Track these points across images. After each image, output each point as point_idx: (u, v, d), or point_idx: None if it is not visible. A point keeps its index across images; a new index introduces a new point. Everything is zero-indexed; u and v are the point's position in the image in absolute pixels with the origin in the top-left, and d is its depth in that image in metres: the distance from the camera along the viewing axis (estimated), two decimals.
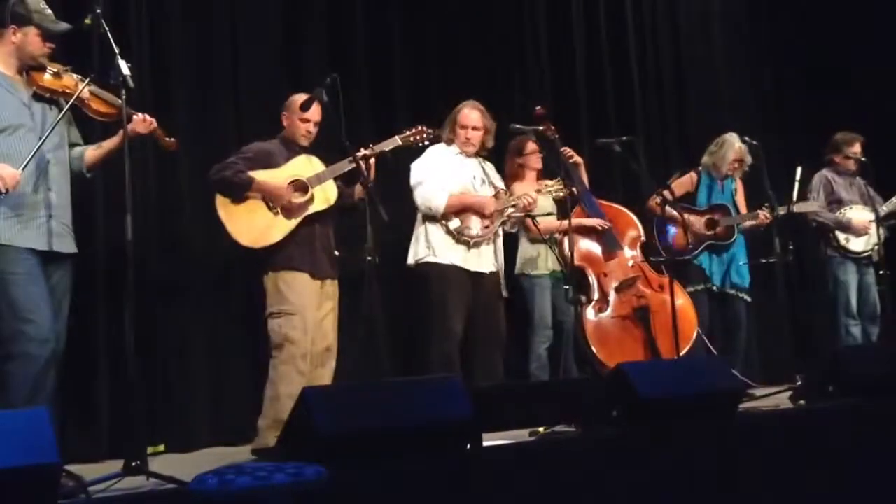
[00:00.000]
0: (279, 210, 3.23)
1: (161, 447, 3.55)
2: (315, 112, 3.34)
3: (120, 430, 3.39)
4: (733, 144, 4.32)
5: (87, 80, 2.65)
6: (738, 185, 4.46)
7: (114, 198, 2.79)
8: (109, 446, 3.39)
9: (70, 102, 2.66)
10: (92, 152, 2.82)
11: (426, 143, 3.46)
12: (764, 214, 4.21)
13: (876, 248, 4.46)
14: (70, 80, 2.72)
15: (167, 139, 2.91)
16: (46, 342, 2.55)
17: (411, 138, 3.39)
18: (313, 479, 1.78)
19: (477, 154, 3.83)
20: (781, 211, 4.19)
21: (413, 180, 3.71)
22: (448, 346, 3.57)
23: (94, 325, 3.45)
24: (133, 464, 2.31)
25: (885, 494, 2.78)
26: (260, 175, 3.25)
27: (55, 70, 2.72)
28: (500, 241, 3.81)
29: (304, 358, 3.16)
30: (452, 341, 3.58)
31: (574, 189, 3.84)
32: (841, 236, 4.54)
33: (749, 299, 4.38)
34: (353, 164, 3.21)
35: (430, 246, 3.65)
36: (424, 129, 3.41)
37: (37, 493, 1.84)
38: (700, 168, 4.42)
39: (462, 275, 3.63)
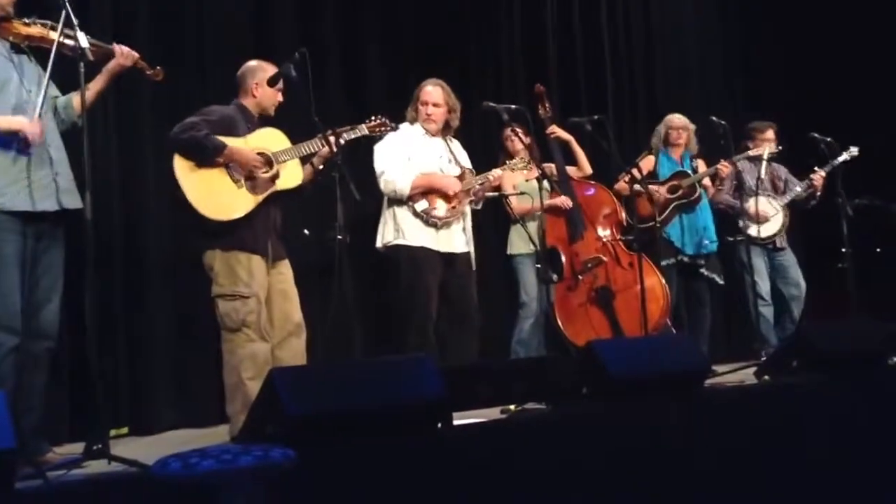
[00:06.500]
0: (243, 183, 3.04)
1: (124, 430, 3.49)
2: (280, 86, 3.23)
3: (82, 413, 3.31)
4: (670, 117, 4.56)
5: (60, 24, 2.53)
6: (700, 164, 4.56)
7: (76, 175, 2.70)
8: (70, 430, 3.31)
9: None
10: (77, 99, 2.71)
11: (388, 133, 3.44)
12: (723, 163, 4.35)
13: (777, 234, 4.56)
14: (39, 28, 2.63)
15: (154, 69, 2.82)
16: (10, 331, 2.47)
17: (376, 129, 3.36)
18: (281, 461, 1.74)
19: (443, 133, 3.77)
20: (740, 159, 4.40)
21: (377, 165, 3.63)
22: (423, 328, 3.53)
23: None
24: (94, 447, 2.27)
25: (850, 468, 2.84)
26: (229, 141, 3.04)
27: (23, 21, 2.63)
28: (468, 219, 3.78)
29: (263, 340, 3.04)
30: (427, 323, 3.55)
31: (545, 169, 3.85)
32: (740, 222, 4.57)
33: (718, 280, 4.47)
34: (324, 146, 3.11)
35: (399, 229, 3.59)
36: (387, 121, 3.37)
37: None
38: (652, 149, 4.57)
39: (433, 256, 3.59)
